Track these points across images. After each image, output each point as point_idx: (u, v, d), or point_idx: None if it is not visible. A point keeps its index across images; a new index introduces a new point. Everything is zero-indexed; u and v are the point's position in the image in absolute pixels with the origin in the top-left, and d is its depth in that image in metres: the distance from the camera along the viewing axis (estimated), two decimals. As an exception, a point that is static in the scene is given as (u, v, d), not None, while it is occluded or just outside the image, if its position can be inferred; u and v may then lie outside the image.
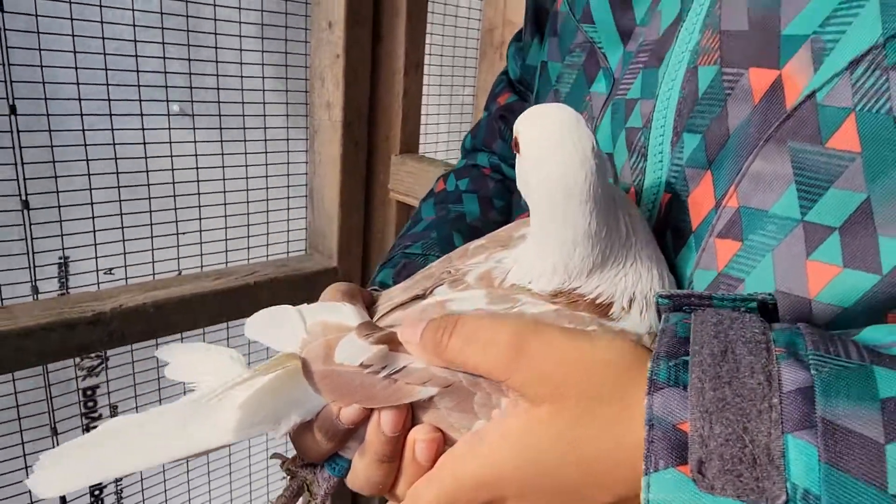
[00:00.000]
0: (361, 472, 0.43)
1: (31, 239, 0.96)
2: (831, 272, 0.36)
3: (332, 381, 0.41)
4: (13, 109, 0.91)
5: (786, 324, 0.36)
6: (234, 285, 1.14)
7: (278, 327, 0.44)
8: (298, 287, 1.25)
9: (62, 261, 1.02)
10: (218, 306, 1.13)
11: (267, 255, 1.31)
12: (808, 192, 0.36)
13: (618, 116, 0.49)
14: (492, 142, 0.77)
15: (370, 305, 0.51)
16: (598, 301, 0.40)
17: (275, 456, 0.52)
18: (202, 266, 1.21)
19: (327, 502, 0.49)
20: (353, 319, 0.43)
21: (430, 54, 1.58)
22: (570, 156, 0.38)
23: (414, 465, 0.41)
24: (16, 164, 0.92)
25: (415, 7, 1.23)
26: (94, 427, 0.43)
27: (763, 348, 0.31)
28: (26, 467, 1.05)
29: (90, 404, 1.17)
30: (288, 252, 1.35)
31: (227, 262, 1.25)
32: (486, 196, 0.74)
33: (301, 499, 0.49)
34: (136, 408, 1.19)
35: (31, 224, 0.95)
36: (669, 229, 0.44)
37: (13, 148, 0.92)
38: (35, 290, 0.99)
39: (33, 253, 0.97)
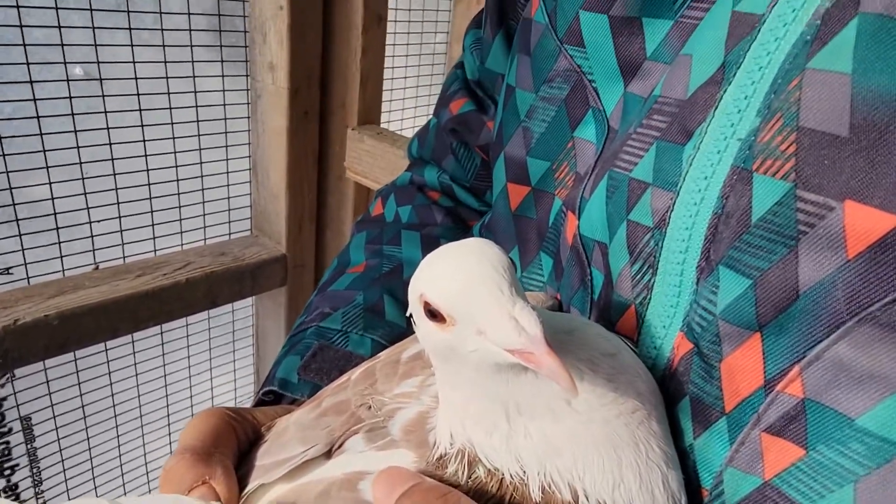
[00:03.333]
0: None
1: None
2: None
3: None
4: None
5: None
6: (161, 284, 0.98)
7: None
8: (241, 280, 1.09)
9: (-59, 262, 0.84)
10: (143, 309, 0.96)
11: (205, 239, 1.14)
12: None
13: (617, 198, 0.35)
14: (442, 157, 0.62)
15: (252, 441, 0.37)
16: None
17: None
18: (124, 256, 1.03)
19: None
20: None
21: (396, -3, 1.37)
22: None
23: None
24: None
25: (376, -54, 1.02)
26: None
27: None
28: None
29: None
30: (230, 234, 1.18)
31: (155, 250, 1.07)
32: (432, 237, 0.59)
33: None
34: (54, 417, 1.04)
35: None
36: (687, 396, 0.31)
37: None
38: None
39: None
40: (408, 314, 0.31)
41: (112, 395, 1.10)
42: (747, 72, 0.29)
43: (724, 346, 0.29)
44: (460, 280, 0.26)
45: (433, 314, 0.27)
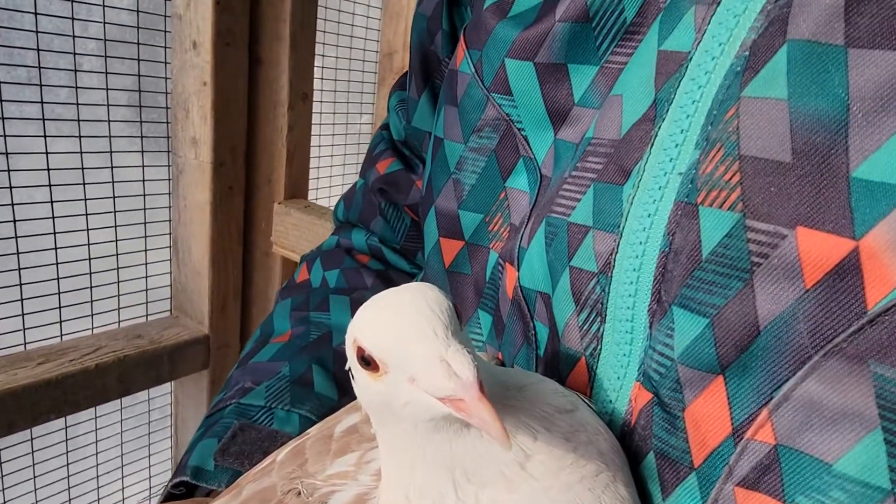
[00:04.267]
0: None
1: None
2: None
3: None
4: None
5: None
6: (67, 371, 0.90)
7: None
8: (159, 364, 1.01)
9: None
10: (45, 400, 0.87)
11: (119, 322, 1.07)
12: None
13: (557, 245, 0.34)
14: (370, 219, 0.61)
15: None
16: None
17: None
18: (25, 343, 0.94)
19: None
20: None
21: (320, 78, 1.39)
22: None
23: None
24: None
25: (301, 30, 1.04)
26: None
27: None
28: None
29: None
30: (147, 315, 1.11)
31: (62, 335, 0.99)
32: (362, 301, 0.56)
33: None
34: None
35: None
36: (651, 451, 0.29)
37: None
38: None
39: None
40: (346, 367, 0.28)
41: (4, 501, 0.98)
42: (680, 106, 0.29)
43: (685, 392, 0.27)
44: (392, 322, 0.24)
45: (366, 361, 0.25)
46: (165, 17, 1.01)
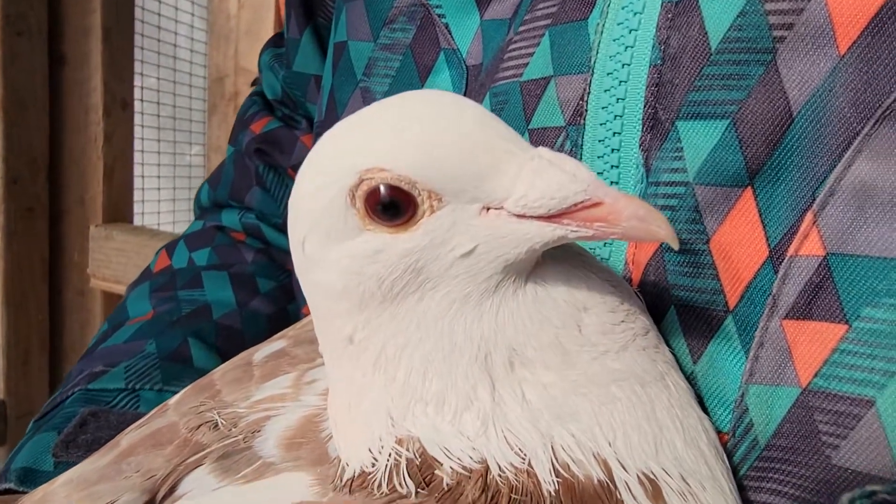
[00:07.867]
0: None
1: None
2: None
3: None
4: None
5: None
6: None
7: None
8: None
9: None
10: None
11: None
12: None
13: (509, 112, 0.29)
14: (244, 191, 0.53)
15: None
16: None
17: None
18: None
19: None
20: None
21: (141, 100, 1.23)
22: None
23: None
24: None
25: (116, 23, 0.90)
26: None
27: None
28: None
29: None
30: (-89, 386, 0.85)
31: None
32: (243, 274, 0.48)
33: None
34: None
35: None
36: (672, 306, 0.24)
37: None
38: None
39: None
40: (301, 237, 0.21)
41: None
42: None
43: (707, 220, 0.23)
44: (445, 126, 0.18)
45: (389, 207, 0.18)
46: (-70, 3, 0.81)
